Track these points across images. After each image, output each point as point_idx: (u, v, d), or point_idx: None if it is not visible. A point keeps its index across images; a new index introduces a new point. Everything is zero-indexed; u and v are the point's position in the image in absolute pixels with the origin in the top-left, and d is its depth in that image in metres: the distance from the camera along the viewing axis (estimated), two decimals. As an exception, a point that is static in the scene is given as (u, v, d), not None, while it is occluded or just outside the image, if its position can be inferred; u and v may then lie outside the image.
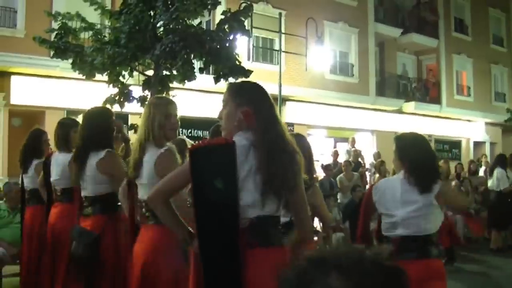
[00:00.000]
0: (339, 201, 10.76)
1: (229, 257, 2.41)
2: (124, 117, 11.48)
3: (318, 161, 12.37)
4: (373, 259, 0.98)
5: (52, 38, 9.61)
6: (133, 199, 3.57)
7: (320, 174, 11.89)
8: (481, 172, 14.66)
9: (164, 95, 9.52)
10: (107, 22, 10.74)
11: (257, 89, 2.68)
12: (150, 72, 9.59)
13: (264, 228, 2.47)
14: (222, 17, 9.45)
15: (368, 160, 15.32)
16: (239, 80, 9.14)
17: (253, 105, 2.56)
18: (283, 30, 14.90)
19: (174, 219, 2.76)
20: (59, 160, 4.80)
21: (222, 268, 2.44)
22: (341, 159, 13.45)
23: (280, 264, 2.30)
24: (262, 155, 2.46)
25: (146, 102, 4.09)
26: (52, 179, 4.87)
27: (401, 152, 3.59)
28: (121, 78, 9.63)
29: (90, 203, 4.10)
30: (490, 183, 10.75)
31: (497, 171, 10.49)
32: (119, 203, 3.96)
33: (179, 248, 3.12)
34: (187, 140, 4.65)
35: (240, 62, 9.60)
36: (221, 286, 2.45)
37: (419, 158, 3.47)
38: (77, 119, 5.34)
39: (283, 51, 14.97)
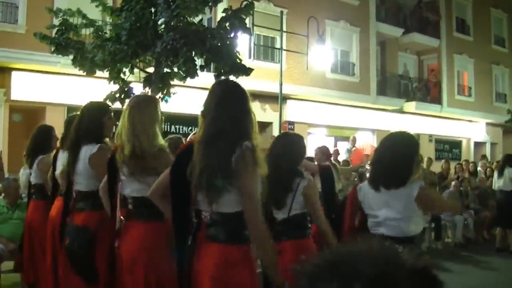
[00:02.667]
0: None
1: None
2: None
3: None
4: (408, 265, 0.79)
5: (53, 34, 9.61)
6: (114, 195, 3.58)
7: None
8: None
9: (164, 92, 9.53)
10: (108, 19, 10.75)
11: None
12: (151, 69, 9.59)
13: (219, 225, 2.54)
14: (223, 14, 9.44)
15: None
16: (240, 78, 9.15)
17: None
18: (284, 29, 14.86)
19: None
20: (64, 157, 4.82)
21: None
22: (342, 158, 13.44)
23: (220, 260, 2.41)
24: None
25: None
26: (56, 172, 4.90)
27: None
28: (121, 75, 9.63)
29: (82, 198, 4.05)
30: (500, 183, 10.72)
31: (508, 171, 10.49)
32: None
33: (168, 246, 3.13)
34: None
35: (241, 60, 9.59)
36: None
37: (379, 161, 3.59)
38: None
39: (284, 50, 14.93)
